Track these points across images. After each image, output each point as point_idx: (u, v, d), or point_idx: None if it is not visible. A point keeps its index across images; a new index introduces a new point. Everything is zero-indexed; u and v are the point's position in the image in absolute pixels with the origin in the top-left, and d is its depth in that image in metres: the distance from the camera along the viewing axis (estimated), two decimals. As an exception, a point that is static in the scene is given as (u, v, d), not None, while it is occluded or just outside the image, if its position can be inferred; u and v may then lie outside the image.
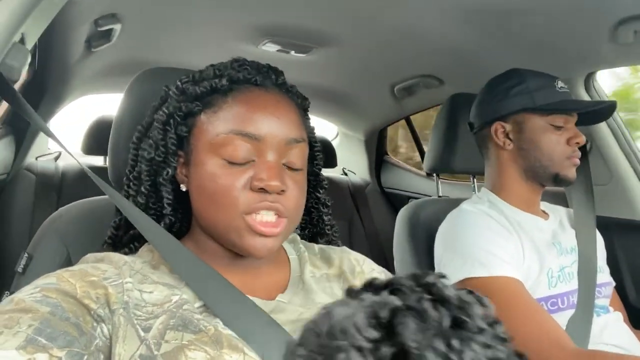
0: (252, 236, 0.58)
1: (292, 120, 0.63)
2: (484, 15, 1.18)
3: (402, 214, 1.25)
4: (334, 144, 2.54)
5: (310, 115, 0.72)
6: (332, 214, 0.77)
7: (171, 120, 0.63)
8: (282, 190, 0.58)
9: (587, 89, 1.38)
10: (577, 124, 1.05)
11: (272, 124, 0.60)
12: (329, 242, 0.77)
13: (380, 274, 0.72)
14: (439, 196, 1.48)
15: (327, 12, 1.28)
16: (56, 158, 1.90)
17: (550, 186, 1.06)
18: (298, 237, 0.74)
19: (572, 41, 1.21)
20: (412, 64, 1.65)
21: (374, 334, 0.25)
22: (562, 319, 0.92)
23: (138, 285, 0.55)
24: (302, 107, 0.69)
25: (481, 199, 1.08)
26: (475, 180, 1.44)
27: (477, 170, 1.28)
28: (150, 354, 0.48)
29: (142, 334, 0.50)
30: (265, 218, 0.58)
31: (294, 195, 0.61)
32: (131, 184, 0.67)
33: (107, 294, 0.52)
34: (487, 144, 1.10)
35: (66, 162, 1.85)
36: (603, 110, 1.06)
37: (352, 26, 1.37)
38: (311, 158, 0.71)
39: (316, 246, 0.74)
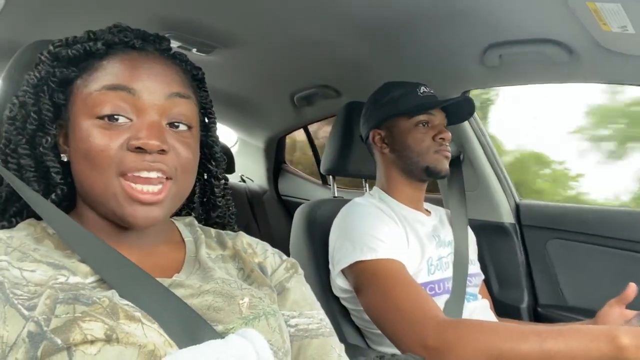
0: (130, 204, 0.55)
1: (174, 77, 0.60)
2: (375, 30, 1.29)
3: (300, 212, 1.29)
4: (233, 150, 2.53)
5: None
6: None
7: (45, 87, 0.59)
8: (163, 150, 0.55)
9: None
10: (449, 124, 1.18)
11: (150, 79, 0.57)
12: (222, 219, 0.76)
13: (273, 254, 0.72)
14: (334, 196, 1.55)
15: (232, 12, 1.29)
16: None
17: (426, 179, 1.16)
18: (195, 221, 0.73)
19: (449, 61, 1.37)
20: (311, 74, 1.73)
21: None
22: (439, 302, 1.02)
23: (17, 263, 0.51)
24: (192, 75, 0.67)
25: (372, 195, 1.18)
26: (367, 183, 1.55)
27: (368, 173, 1.38)
28: (40, 330, 0.45)
29: (25, 312, 0.46)
30: (146, 188, 0.55)
31: (179, 155, 0.58)
32: (8, 157, 0.61)
33: None
34: (373, 150, 1.21)
35: None
36: (464, 107, 1.18)
37: (255, 29, 1.39)
38: (205, 129, 0.70)
39: (213, 230, 0.73)
